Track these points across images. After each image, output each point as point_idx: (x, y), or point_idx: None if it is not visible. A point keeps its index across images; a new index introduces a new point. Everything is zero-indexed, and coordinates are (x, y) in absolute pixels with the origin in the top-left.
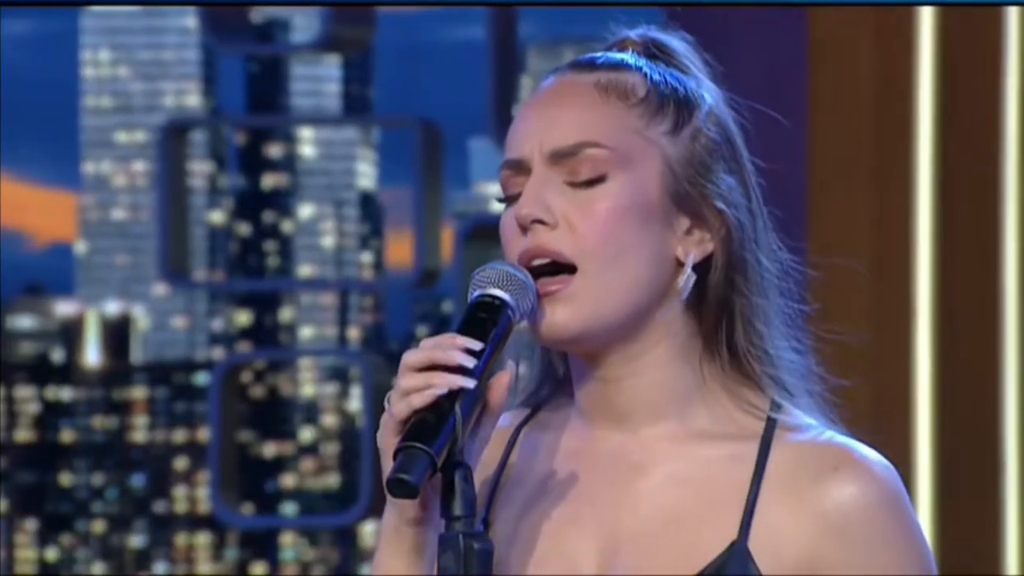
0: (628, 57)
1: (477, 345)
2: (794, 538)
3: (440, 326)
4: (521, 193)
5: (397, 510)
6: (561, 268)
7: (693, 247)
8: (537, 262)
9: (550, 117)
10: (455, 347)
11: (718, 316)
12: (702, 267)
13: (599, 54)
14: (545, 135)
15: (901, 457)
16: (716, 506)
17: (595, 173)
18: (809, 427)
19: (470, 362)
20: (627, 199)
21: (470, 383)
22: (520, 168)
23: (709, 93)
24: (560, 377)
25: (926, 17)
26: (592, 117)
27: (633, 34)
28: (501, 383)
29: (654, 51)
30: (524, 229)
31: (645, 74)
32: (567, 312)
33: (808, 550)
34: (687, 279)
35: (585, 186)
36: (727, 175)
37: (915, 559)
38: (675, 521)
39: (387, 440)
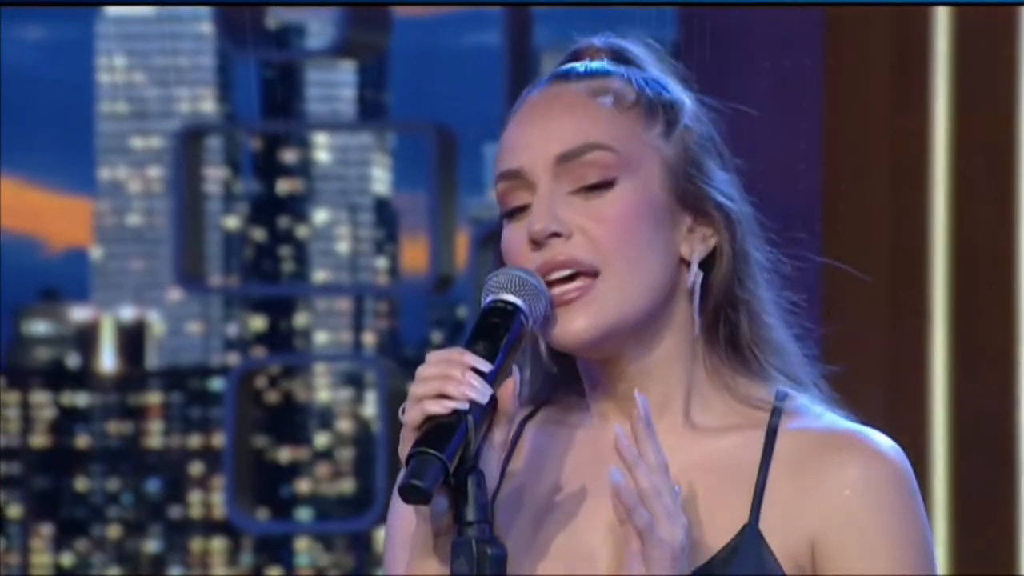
0: (608, 64)
1: (487, 367)
2: (802, 519)
3: (455, 331)
4: (523, 207)
5: (422, 518)
6: (577, 278)
7: (697, 244)
8: (556, 275)
9: (549, 127)
10: (466, 367)
11: (721, 310)
12: (705, 263)
13: (579, 64)
14: (548, 143)
15: (917, 457)
16: (727, 492)
17: (603, 177)
18: (814, 413)
19: (482, 383)
20: (637, 203)
21: (484, 397)
22: (519, 178)
23: (685, 93)
24: (557, 376)
25: (942, 18)
26: (593, 121)
27: (598, 42)
28: (507, 388)
29: (623, 58)
30: (538, 244)
31: (630, 79)
32: (588, 317)
33: (814, 530)
34: (696, 277)
35: (595, 193)
36: (720, 171)
37: (915, 541)
38: (687, 512)
39: (406, 450)
